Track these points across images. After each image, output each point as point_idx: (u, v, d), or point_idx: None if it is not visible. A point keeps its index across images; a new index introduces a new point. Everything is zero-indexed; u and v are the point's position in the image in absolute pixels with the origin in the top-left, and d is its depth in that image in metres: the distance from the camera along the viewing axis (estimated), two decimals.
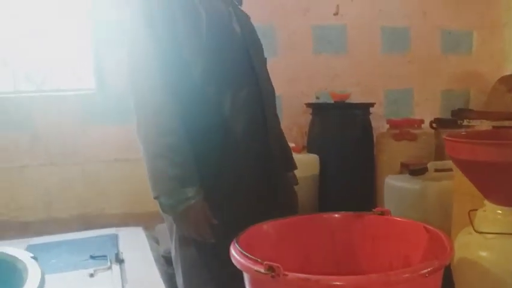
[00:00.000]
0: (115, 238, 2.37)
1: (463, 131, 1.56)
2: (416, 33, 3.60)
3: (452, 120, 1.80)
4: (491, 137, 1.11)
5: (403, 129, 3.10)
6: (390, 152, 3.09)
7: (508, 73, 3.57)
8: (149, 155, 1.27)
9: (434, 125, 2.64)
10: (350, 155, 3.14)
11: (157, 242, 2.49)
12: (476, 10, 3.69)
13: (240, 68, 1.41)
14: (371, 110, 3.30)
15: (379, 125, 3.39)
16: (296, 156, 1.73)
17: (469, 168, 1.01)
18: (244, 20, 1.55)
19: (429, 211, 1.90)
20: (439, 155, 3.00)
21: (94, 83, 3.09)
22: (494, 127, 1.69)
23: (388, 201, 2.15)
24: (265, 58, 1.60)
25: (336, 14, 3.43)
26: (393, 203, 2.15)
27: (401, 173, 2.66)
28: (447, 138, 1.01)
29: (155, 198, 1.29)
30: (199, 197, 1.28)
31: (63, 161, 3.00)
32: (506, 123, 1.58)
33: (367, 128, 3.28)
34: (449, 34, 3.67)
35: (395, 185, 2.01)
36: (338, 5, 3.42)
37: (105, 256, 1.98)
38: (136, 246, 2.24)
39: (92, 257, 2.00)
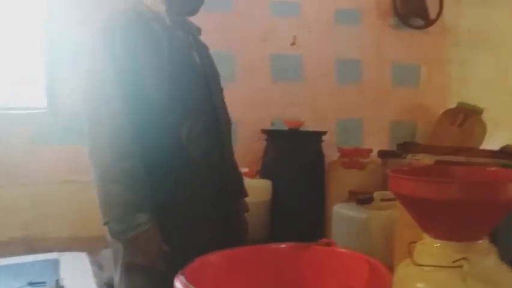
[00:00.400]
0: (56, 263, 2.29)
1: (405, 167, 1.63)
2: (368, 66, 3.75)
3: (397, 153, 1.88)
4: (433, 173, 1.16)
5: (353, 158, 3.19)
6: (340, 180, 3.17)
7: (451, 107, 3.77)
8: (103, 179, 1.26)
9: (380, 155, 2.74)
10: (302, 181, 3.20)
11: (101, 268, 2.41)
12: (424, 46, 3.90)
13: (198, 97, 1.44)
14: (324, 138, 3.39)
15: (331, 153, 3.47)
16: (249, 181, 1.75)
17: (409, 203, 1.06)
18: (203, 50, 1.59)
19: (375, 240, 1.96)
20: (386, 183, 3.10)
21: (46, 102, 3.01)
22: (437, 161, 1.78)
23: (336, 229, 2.19)
24: (222, 88, 1.63)
25: (293, 44, 3.52)
26: (341, 230, 2.20)
27: (350, 201, 2.73)
28: (390, 173, 1.06)
29: (106, 223, 1.27)
30: (151, 223, 1.27)
31: (8, 181, 2.88)
32: (449, 157, 1.67)
33: (319, 155, 3.36)
34: (398, 67, 3.85)
35: (342, 214, 2.06)
36: (295, 36, 3.52)
37: (44, 283, 1.92)
38: (78, 273, 2.18)
39: (30, 284, 1.92)
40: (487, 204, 0.97)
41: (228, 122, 1.60)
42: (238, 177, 1.68)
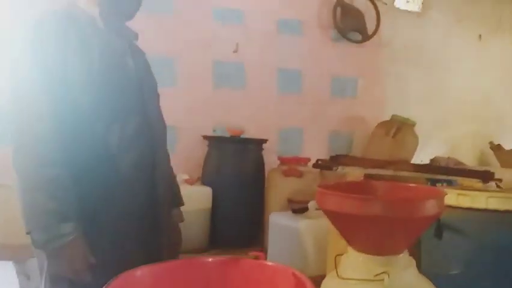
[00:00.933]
0: None
1: (337, 179, 1.69)
2: (308, 76, 3.84)
3: (328, 166, 1.94)
4: (358, 188, 1.21)
5: (291, 166, 3.25)
6: (279, 187, 3.21)
7: (386, 118, 3.94)
8: (26, 186, 1.21)
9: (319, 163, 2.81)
10: (242, 188, 3.21)
11: (28, 278, 2.30)
12: (362, 59, 4.05)
13: (129, 104, 1.40)
14: (264, 146, 3.43)
15: (271, 161, 3.51)
16: (189, 189, 1.72)
17: (335, 218, 1.09)
18: (139, 57, 1.56)
19: (309, 249, 2.00)
20: None
21: None
22: (365, 175, 1.85)
23: (272, 238, 2.22)
24: (158, 95, 1.61)
25: (235, 51, 3.54)
26: (276, 239, 2.22)
27: (288, 208, 2.78)
28: (317, 188, 1.09)
29: (28, 233, 1.21)
30: (76, 234, 1.23)
31: None
32: (376, 171, 1.74)
33: (259, 163, 3.39)
34: (337, 79, 3.97)
35: (277, 222, 2.09)
36: (237, 43, 3.54)
37: None
38: (4, 283, 2.06)
39: None
40: (406, 220, 1.02)
41: (162, 129, 1.57)
42: (172, 186, 1.65)
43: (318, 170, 3.30)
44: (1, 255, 2.57)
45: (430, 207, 1.04)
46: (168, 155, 1.64)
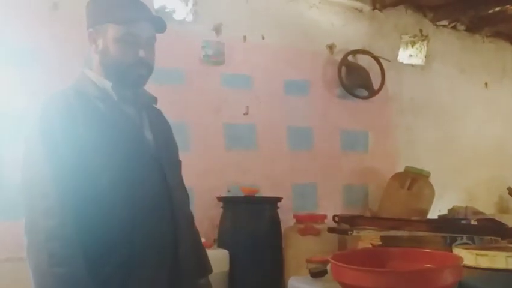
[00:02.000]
0: None
1: (345, 252, 1.68)
2: (318, 133, 3.90)
3: (343, 230, 1.94)
4: (373, 256, 1.21)
5: (308, 224, 3.23)
6: (297, 247, 3.19)
7: (400, 170, 3.94)
8: (39, 286, 1.16)
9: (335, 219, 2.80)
10: (259, 249, 3.18)
11: None
12: (370, 114, 4.12)
13: (150, 181, 1.34)
14: (279, 204, 3.43)
15: (287, 218, 3.50)
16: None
17: None
18: (158, 122, 1.50)
19: None
20: (342, 249, 3.15)
21: None
22: (381, 237, 1.85)
23: None
24: (180, 161, 1.55)
25: (246, 114, 3.63)
26: None
27: (307, 267, 2.74)
28: (331, 260, 1.10)
29: None
30: None
31: None
32: (392, 232, 1.74)
33: (275, 221, 3.38)
34: (347, 134, 4.02)
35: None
36: (247, 106, 3.64)
37: None
38: None
39: None
40: None
41: (185, 199, 1.50)
42: (199, 255, 1.56)
43: (335, 225, 3.28)
44: None
45: (447, 276, 1.03)
46: (194, 227, 1.58)
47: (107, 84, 1.38)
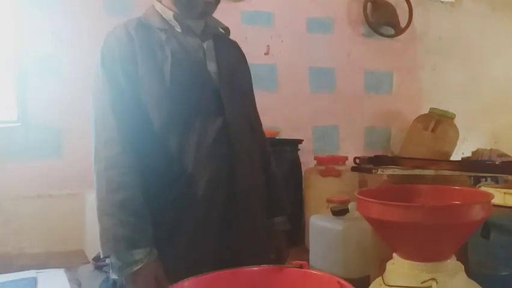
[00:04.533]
0: (33, 282, 2.24)
1: (371, 188, 1.67)
2: (341, 74, 3.80)
3: (368, 168, 1.93)
4: (401, 193, 1.20)
5: (328, 165, 3.22)
6: (317, 188, 3.20)
7: (424, 112, 3.85)
8: (99, 211, 1.21)
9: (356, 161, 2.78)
10: None
11: (79, 285, 2.39)
12: (395, 53, 3.97)
13: (206, 113, 1.32)
14: (300, 146, 3.42)
15: (308, 159, 3.50)
16: None
17: (377, 226, 1.09)
18: (226, 53, 1.46)
19: (351, 252, 1.98)
20: None
21: (16, 116, 2.95)
22: (407, 176, 1.83)
23: (313, 240, 2.22)
24: (249, 94, 1.52)
25: (266, 53, 3.55)
26: (318, 242, 2.22)
27: (328, 207, 2.77)
28: (357, 195, 1.09)
29: (105, 257, 1.22)
30: (149, 259, 1.20)
31: None
32: (417, 171, 1.72)
33: (296, 163, 3.39)
34: (371, 74, 3.91)
35: (318, 225, 2.09)
36: (268, 46, 3.55)
37: None
38: None
39: None
40: (452, 226, 1.01)
41: (246, 134, 1.43)
42: (273, 193, 1.52)
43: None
44: (53, 263, 2.68)
45: (476, 212, 1.02)
46: (266, 160, 1.55)
47: (170, 15, 1.36)
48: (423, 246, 1.05)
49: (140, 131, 1.26)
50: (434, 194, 1.20)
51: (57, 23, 2.98)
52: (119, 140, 1.22)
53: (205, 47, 1.39)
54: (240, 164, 1.35)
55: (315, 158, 3.43)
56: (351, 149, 3.71)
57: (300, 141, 3.41)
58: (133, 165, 1.22)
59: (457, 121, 3.76)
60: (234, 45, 1.56)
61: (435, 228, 1.00)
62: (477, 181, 2.12)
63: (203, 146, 1.29)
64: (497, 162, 2.36)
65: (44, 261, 2.75)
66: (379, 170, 1.73)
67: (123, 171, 1.21)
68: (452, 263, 1.08)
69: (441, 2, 4.17)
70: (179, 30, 1.36)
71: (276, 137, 3.41)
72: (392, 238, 1.10)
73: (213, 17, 1.48)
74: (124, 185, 1.20)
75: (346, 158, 3.37)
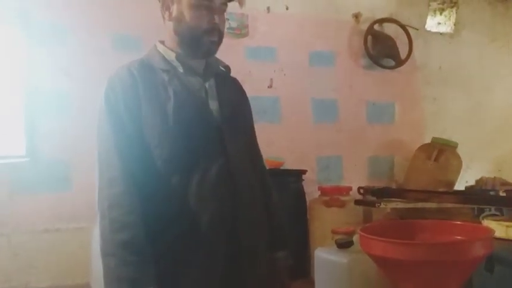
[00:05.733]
0: None
1: (374, 224, 1.68)
2: (343, 105, 3.86)
3: (371, 202, 1.94)
4: (401, 229, 1.22)
5: (333, 196, 3.24)
6: (322, 219, 3.21)
7: (427, 141, 3.89)
8: (102, 251, 1.21)
9: (360, 191, 2.81)
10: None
11: None
12: (396, 84, 4.04)
13: (208, 152, 1.33)
14: (304, 176, 3.45)
15: (312, 190, 3.51)
16: None
17: (381, 263, 1.11)
18: (228, 91, 1.46)
19: (357, 284, 1.99)
20: (367, 220, 3.16)
21: (25, 150, 3.01)
22: (409, 209, 1.85)
23: (319, 273, 2.23)
24: (249, 132, 1.53)
25: (270, 86, 3.62)
26: (323, 274, 2.23)
27: (333, 238, 2.77)
28: (360, 232, 1.11)
29: None
30: None
31: None
32: (420, 204, 1.73)
33: (300, 194, 3.40)
34: (373, 105, 3.97)
35: (323, 258, 2.10)
36: (271, 79, 3.62)
37: None
38: None
39: None
40: (454, 263, 1.03)
41: (248, 176, 1.42)
42: (274, 228, 1.50)
43: (360, 197, 3.29)
44: None
45: (478, 248, 1.04)
46: (268, 194, 1.53)
47: (172, 56, 1.38)
48: (426, 283, 1.07)
49: (143, 169, 1.27)
50: (436, 229, 1.23)
51: (66, 59, 3.07)
52: (123, 179, 1.23)
53: (207, 86, 1.41)
54: (242, 201, 1.35)
55: (319, 189, 3.45)
56: (355, 178, 3.74)
57: (304, 171, 3.44)
58: (135, 204, 1.23)
59: (459, 150, 3.78)
60: (235, 83, 1.57)
61: (437, 265, 1.02)
62: (480, 212, 2.13)
63: (205, 184, 1.29)
64: (500, 193, 2.37)
65: None
66: (382, 203, 1.74)
67: (126, 211, 1.21)
68: None
69: (441, 34, 4.26)
70: (181, 71, 1.38)
71: (280, 168, 3.44)
72: (395, 275, 1.12)
73: (214, 56, 1.48)
74: (126, 225, 1.20)
75: (350, 188, 3.39)
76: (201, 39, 1.36)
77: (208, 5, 1.35)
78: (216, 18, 1.36)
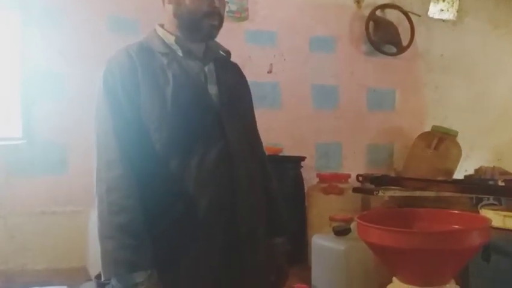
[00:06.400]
0: None
1: (372, 212, 1.67)
2: (344, 91, 3.83)
3: (369, 190, 1.93)
4: (400, 217, 1.21)
5: (331, 183, 3.23)
6: (320, 206, 3.21)
7: (427, 129, 3.86)
8: (100, 234, 1.21)
9: (359, 179, 2.79)
10: None
11: None
12: (398, 71, 4.00)
13: (207, 134, 1.32)
14: (303, 163, 3.43)
15: (310, 176, 3.50)
16: None
17: (377, 250, 1.10)
18: (227, 75, 1.45)
19: (353, 271, 1.99)
20: (365, 208, 3.16)
21: (21, 133, 2.99)
22: (408, 197, 1.83)
23: (316, 259, 2.23)
24: (249, 116, 1.51)
25: (269, 72, 3.58)
26: (320, 261, 2.23)
27: (330, 225, 2.77)
28: (357, 219, 1.10)
29: (107, 280, 1.21)
30: (150, 282, 1.19)
31: None
32: (418, 193, 1.72)
33: (299, 181, 3.40)
34: (373, 92, 3.93)
35: (320, 245, 2.10)
36: (271, 64, 3.58)
37: None
38: None
39: None
40: (451, 252, 1.02)
41: (248, 152, 1.41)
42: (272, 213, 1.49)
43: (359, 185, 3.28)
44: (56, 280, 2.70)
45: (474, 237, 1.03)
46: (267, 179, 1.52)
47: (172, 39, 1.37)
48: (423, 271, 1.06)
49: (142, 153, 1.27)
50: (434, 218, 1.21)
51: (63, 41, 3.03)
52: (121, 162, 1.23)
53: (206, 70, 1.40)
54: (240, 186, 1.34)
55: (317, 176, 3.44)
56: (354, 166, 3.72)
57: (303, 158, 3.42)
58: (134, 187, 1.23)
59: (459, 138, 3.76)
60: (235, 67, 1.56)
61: (433, 254, 1.01)
62: (479, 201, 2.12)
63: (204, 168, 1.29)
64: (499, 182, 2.36)
65: (47, 278, 2.76)
66: (380, 191, 1.73)
67: (124, 194, 1.21)
68: (452, 287, 1.09)
69: (443, 21, 4.20)
70: (180, 54, 1.37)
71: (279, 154, 3.42)
72: (391, 262, 1.11)
73: (214, 40, 1.47)
74: (125, 208, 1.20)
75: (349, 176, 3.37)
76: (201, 22, 1.34)
77: None
78: (216, 2, 1.35)
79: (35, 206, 2.94)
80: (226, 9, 3.51)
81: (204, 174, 1.28)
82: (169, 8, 1.38)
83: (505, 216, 1.47)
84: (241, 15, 3.43)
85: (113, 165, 1.23)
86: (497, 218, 1.45)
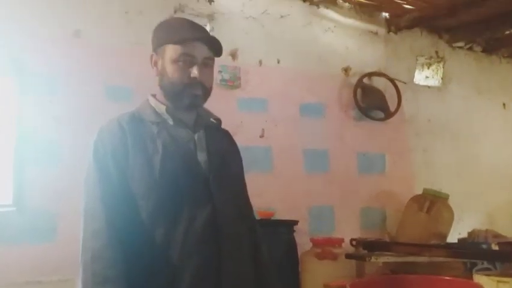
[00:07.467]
0: None
1: (364, 280, 1.66)
2: (334, 155, 3.88)
3: (362, 256, 1.91)
4: (392, 285, 1.19)
5: (325, 248, 3.19)
6: (314, 272, 3.15)
7: (418, 192, 3.89)
8: None
9: (353, 243, 2.76)
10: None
11: None
12: (386, 136, 4.09)
13: (194, 201, 1.33)
14: (296, 227, 3.40)
15: (304, 241, 3.46)
16: None
17: None
18: (217, 142, 1.48)
19: None
20: (360, 273, 3.10)
21: (12, 200, 2.96)
22: (401, 263, 1.82)
23: None
24: (237, 183, 1.52)
25: (261, 136, 3.65)
26: None
27: None
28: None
29: None
30: None
31: None
32: (411, 258, 1.71)
33: (292, 245, 3.34)
34: (363, 156, 3.99)
35: None
36: (263, 129, 3.66)
37: None
38: None
39: None
40: None
41: (234, 223, 1.40)
42: (261, 284, 1.47)
43: (353, 249, 3.23)
44: None
45: None
46: (256, 247, 1.51)
47: (163, 109, 1.41)
48: None
49: (128, 221, 1.27)
50: (425, 285, 1.20)
51: (58, 108, 3.07)
52: (107, 231, 1.24)
53: (196, 138, 1.42)
54: (226, 250, 1.34)
55: (311, 240, 3.40)
56: (348, 229, 3.70)
57: (295, 222, 3.40)
58: (118, 258, 1.23)
59: (451, 201, 3.78)
60: (225, 135, 1.59)
61: None
62: (473, 265, 2.10)
63: (191, 234, 1.29)
64: (493, 246, 2.35)
65: None
66: (373, 257, 1.72)
67: (108, 264, 1.21)
68: None
69: (429, 87, 4.37)
70: (171, 123, 1.40)
71: (271, 218, 3.40)
72: None
73: (205, 109, 1.52)
74: (108, 279, 1.20)
75: (342, 240, 3.34)
76: (183, 92, 1.38)
77: (190, 60, 1.38)
78: (194, 72, 1.38)
79: (20, 275, 2.85)
80: (220, 77, 3.67)
81: (190, 241, 1.29)
82: (157, 79, 1.44)
83: (498, 281, 1.45)
84: (234, 84, 3.56)
85: (99, 235, 1.24)
86: (490, 284, 1.44)
